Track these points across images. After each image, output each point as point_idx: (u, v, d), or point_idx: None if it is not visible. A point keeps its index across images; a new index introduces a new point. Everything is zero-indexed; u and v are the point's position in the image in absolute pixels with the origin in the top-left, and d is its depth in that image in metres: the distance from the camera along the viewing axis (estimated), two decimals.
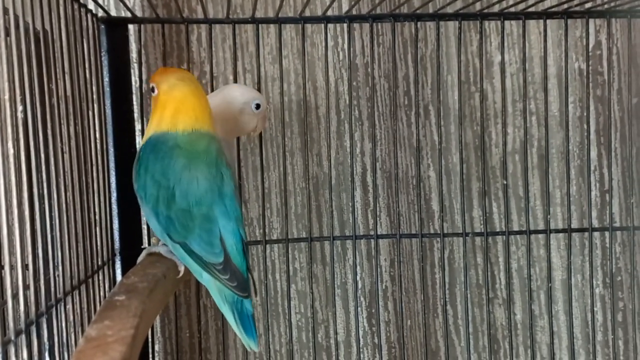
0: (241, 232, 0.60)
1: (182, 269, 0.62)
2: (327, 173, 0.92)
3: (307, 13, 0.90)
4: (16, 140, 0.48)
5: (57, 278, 0.57)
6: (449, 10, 0.82)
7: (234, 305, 0.60)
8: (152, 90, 0.63)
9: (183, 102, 0.61)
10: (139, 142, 0.81)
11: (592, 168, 0.97)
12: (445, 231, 0.95)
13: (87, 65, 0.69)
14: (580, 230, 0.90)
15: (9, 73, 0.47)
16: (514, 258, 0.98)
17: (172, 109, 0.61)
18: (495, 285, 0.98)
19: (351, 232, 0.86)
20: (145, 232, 0.82)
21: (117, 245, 0.78)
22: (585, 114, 0.93)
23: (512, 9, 0.82)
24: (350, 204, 0.87)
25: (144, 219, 0.81)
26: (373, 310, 0.94)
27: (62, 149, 0.60)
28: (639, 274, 0.97)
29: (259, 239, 0.87)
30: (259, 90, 0.80)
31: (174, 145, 0.60)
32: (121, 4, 0.79)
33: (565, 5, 0.81)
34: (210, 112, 0.63)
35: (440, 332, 0.97)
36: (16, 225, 0.48)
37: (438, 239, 0.95)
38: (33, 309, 0.52)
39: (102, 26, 0.77)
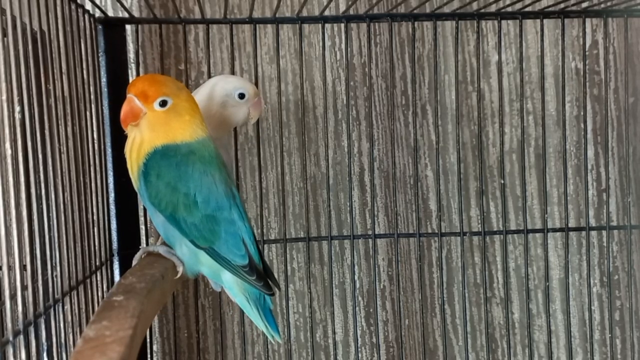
0: (253, 232, 0.62)
1: (180, 269, 0.62)
2: (324, 173, 0.92)
3: (305, 13, 0.90)
4: (14, 141, 0.48)
5: (55, 279, 0.57)
6: (446, 10, 0.82)
7: (257, 303, 0.63)
8: (164, 104, 0.59)
9: (194, 112, 0.61)
10: None
11: (589, 167, 0.97)
12: (443, 230, 0.96)
13: (84, 66, 0.69)
14: (578, 229, 0.90)
15: (6, 73, 0.47)
16: (512, 257, 0.98)
17: (185, 120, 0.60)
18: (493, 284, 0.98)
19: (349, 231, 0.86)
20: (143, 232, 0.82)
21: (115, 245, 0.78)
22: (582, 113, 0.93)
23: (509, 9, 0.82)
24: (348, 204, 0.87)
25: (142, 220, 0.81)
26: (371, 310, 0.94)
27: (59, 149, 0.60)
28: (636, 273, 0.98)
29: (257, 238, 0.87)
30: None
31: (188, 152, 0.60)
32: (118, 4, 0.79)
33: (562, 5, 0.81)
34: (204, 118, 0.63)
35: (438, 332, 0.97)
36: (14, 225, 0.48)
37: (436, 239, 0.95)
38: (31, 309, 0.52)
39: (100, 27, 0.77)
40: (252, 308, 0.63)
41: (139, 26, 0.84)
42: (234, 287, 0.62)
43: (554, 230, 0.88)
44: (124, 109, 0.60)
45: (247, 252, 0.60)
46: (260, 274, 0.61)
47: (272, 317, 0.63)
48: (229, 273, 0.61)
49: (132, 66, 0.85)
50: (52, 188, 0.57)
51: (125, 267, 0.76)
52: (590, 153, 0.97)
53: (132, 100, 0.59)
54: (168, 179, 0.59)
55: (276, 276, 0.92)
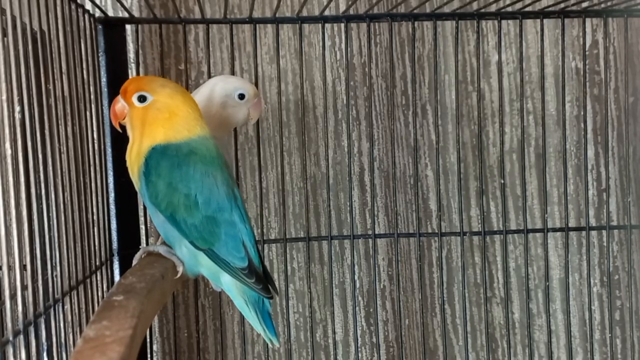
0: (253, 233, 0.62)
1: (180, 269, 0.62)
2: (324, 173, 0.92)
3: (305, 13, 0.90)
4: (14, 141, 0.48)
5: (55, 278, 0.57)
6: (446, 9, 0.82)
7: (256, 305, 0.62)
8: (142, 99, 0.60)
9: (188, 110, 0.61)
10: None
11: (589, 167, 0.97)
12: (443, 230, 0.96)
13: (84, 66, 0.69)
14: (578, 229, 0.90)
15: (6, 73, 0.47)
16: (512, 257, 0.98)
17: (179, 118, 0.60)
18: (493, 284, 0.98)
19: (349, 231, 0.86)
20: (143, 232, 0.82)
21: (115, 245, 0.78)
22: (582, 113, 0.93)
23: (509, 9, 0.82)
24: (348, 204, 0.87)
25: (142, 220, 0.81)
26: (371, 310, 0.94)
27: (59, 149, 0.60)
28: (636, 273, 0.98)
29: (257, 238, 0.88)
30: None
31: (189, 152, 0.59)
32: (118, 4, 0.79)
33: (562, 5, 0.81)
34: (203, 118, 0.63)
35: (438, 331, 0.97)
36: (14, 225, 0.48)
37: (436, 238, 0.95)
38: (31, 309, 0.52)
39: (100, 26, 0.77)
40: (250, 311, 0.62)
41: (139, 26, 0.84)
42: (232, 290, 0.62)
43: (554, 230, 0.88)
44: (111, 107, 0.62)
45: (246, 254, 0.60)
46: (260, 277, 0.60)
47: (270, 320, 0.63)
48: (228, 275, 0.61)
49: (132, 66, 0.85)
50: (52, 188, 0.57)
51: (125, 267, 0.76)
52: (590, 153, 0.97)
53: (117, 99, 0.62)
54: (169, 180, 0.59)
55: (276, 276, 0.93)
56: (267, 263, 0.93)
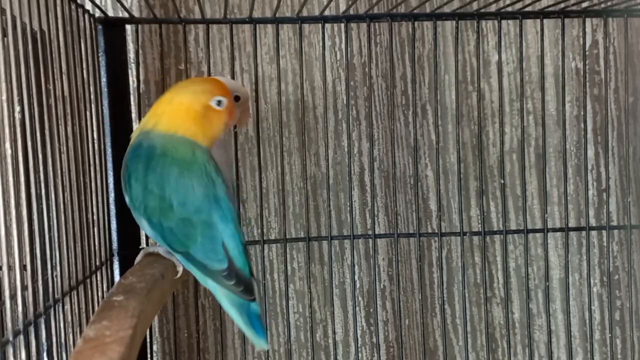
0: (240, 234, 0.60)
1: (180, 269, 0.62)
2: (324, 173, 0.92)
3: (305, 13, 0.90)
4: (14, 141, 0.48)
5: (55, 278, 0.57)
6: (446, 9, 0.82)
7: (241, 308, 0.60)
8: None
9: (174, 106, 0.61)
10: None
11: (589, 167, 0.97)
12: (443, 230, 0.96)
13: (84, 66, 0.69)
14: (578, 229, 0.90)
15: (6, 73, 0.47)
16: (512, 257, 0.98)
17: (159, 112, 0.61)
18: (493, 284, 0.98)
19: (349, 231, 0.86)
20: (143, 232, 0.82)
21: (115, 245, 0.78)
22: (582, 113, 0.93)
23: (509, 9, 0.82)
24: (348, 204, 0.87)
25: None
26: (371, 310, 0.94)
27: (59, 149, 0.60)
28: (636, 273, 0.98)
29: (257, 238, 0.88)
30: (256, 90, 0.80)
31: (161, 153, 0.59)
32: (118, 4, 0.79)
33: (562, 5, 0.81)
34: (199, 119, 0.62)
35: (438, 331, 0.97)
36: (14, 225, 0.48)
37: (436, 238, 0.95)
38: (31, 309, 0.52)
39: (100, 26, 0.77)
40: (236, 314, 0.60)
41: (139, 26, 0.84)
42: (217, 292, 0.60)
43: (554, 230, 0.88)
44: None
45: (226, 256, 0.58)
46: (241, 279, 0.58)
47: (258, 323, 0.60)
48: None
49: (132, 66, 0.85)
50: (52, 188, 0.57)
51: (125, 267, 0.76)
52: (590, 153, 0.97)
53: None
54: (145, 183, 0.59)
55: (276, 276, 0.93)
56: (267, 263, 0.93)
